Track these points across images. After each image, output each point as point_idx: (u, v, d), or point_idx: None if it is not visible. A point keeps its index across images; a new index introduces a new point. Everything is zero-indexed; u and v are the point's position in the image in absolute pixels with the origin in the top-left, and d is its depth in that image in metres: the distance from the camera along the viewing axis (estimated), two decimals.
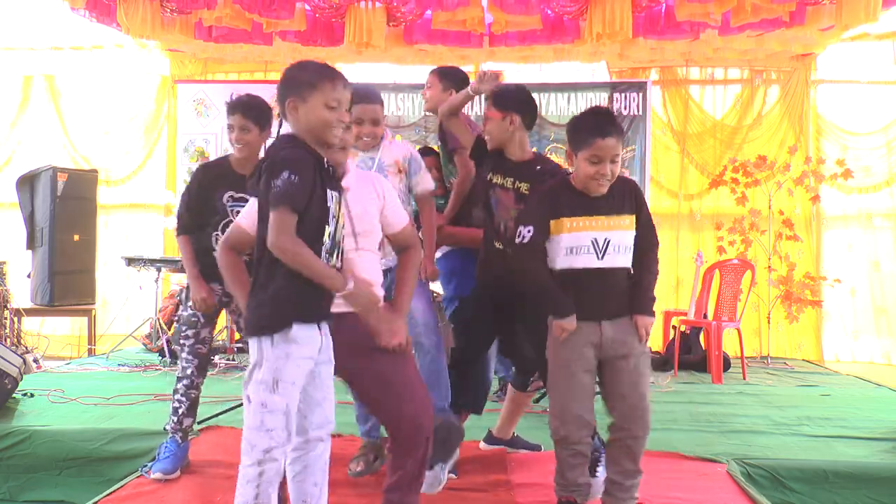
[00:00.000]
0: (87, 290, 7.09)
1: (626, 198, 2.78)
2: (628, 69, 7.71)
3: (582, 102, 7.46)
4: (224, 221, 3.28)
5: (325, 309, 2.30)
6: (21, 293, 6.77)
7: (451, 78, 3.81)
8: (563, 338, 2.74)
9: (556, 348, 2.79)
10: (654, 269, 2.84)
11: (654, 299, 2.83)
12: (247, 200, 3.23)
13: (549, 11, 6.16)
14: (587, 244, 2.71)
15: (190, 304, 3.37)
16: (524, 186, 3.18)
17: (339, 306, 2.34)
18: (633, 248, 2.79)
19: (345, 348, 2.39)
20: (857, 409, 4.84)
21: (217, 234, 3.28)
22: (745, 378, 5.96)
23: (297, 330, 2.17)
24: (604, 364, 2.78)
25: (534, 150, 3.36)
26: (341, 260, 2.35)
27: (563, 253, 2.74)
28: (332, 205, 2.26)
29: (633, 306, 2.77)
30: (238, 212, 3.21)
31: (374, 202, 2.64)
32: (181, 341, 3.37)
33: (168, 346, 6.19)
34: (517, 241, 2.77)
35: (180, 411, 3.37)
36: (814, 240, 7.43)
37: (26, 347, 6.37)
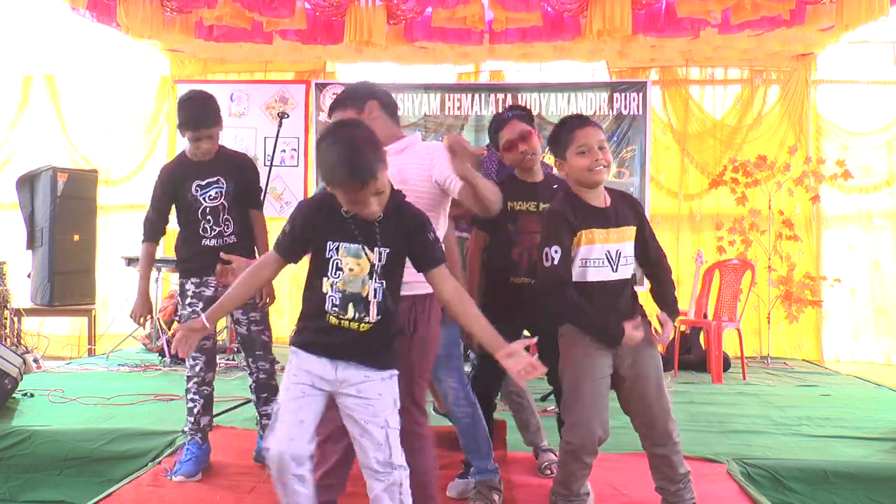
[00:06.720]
0: (87, 290, 7.08)
1: (628, 209, 2.76)
2: (628, 69, 7.70)
3: (582, 102, 7.46)
4: (200, 209, 3.36)
5: (323, 345, 2.21)
6: (21, 293, 6.78)
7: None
8: (582, 352, 2.68)
9: (572, 359, 2.72)
10: (670, 280, 2.86)
11: (677, 307, 2.89)
12: (211, 185, 3.34)
13: (550, 8, 6.15)
14: (601, 257, 2.66)
15: (188, 301, 3.38)
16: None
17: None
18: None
19: None
20: (857, 409, 4.84)
21: (204, 225, 3.37)
22: (745, 378, 5.96)
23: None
24: (615, 376, 2.73)
25: None
26: (370, 313, 2.16)
27: (577, 265, 2.67)
28: (335, 256, 2.15)
29: (663, 307, 2.81)
30: (207, 198, 3.33)
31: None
32: None
33: (168, 346, 6.19)
34: (546, 263, 2.63)
35: (195, 411, 3.36)
36: (814, 240, 7.43)
37: (26, 347, 6.37)
